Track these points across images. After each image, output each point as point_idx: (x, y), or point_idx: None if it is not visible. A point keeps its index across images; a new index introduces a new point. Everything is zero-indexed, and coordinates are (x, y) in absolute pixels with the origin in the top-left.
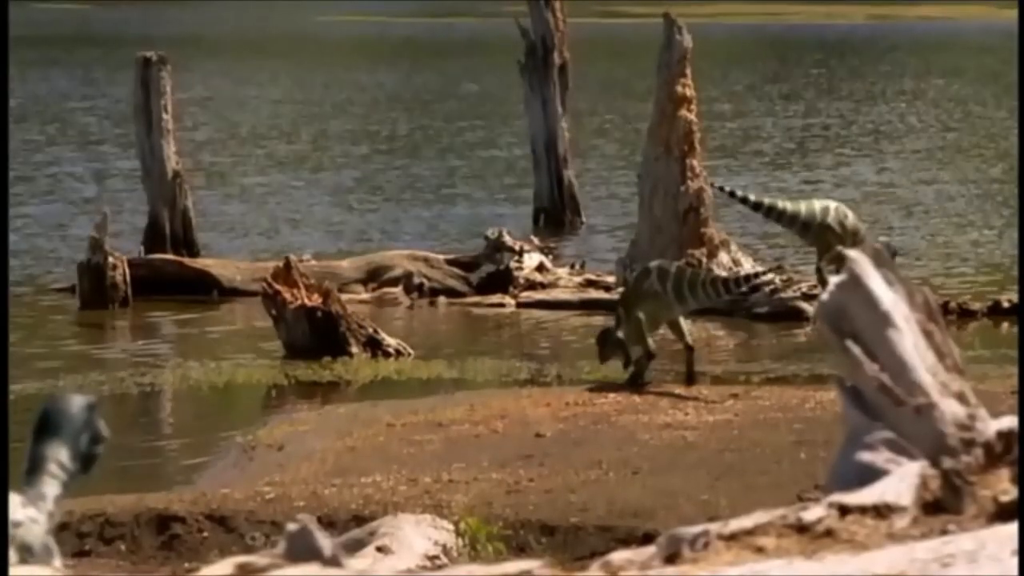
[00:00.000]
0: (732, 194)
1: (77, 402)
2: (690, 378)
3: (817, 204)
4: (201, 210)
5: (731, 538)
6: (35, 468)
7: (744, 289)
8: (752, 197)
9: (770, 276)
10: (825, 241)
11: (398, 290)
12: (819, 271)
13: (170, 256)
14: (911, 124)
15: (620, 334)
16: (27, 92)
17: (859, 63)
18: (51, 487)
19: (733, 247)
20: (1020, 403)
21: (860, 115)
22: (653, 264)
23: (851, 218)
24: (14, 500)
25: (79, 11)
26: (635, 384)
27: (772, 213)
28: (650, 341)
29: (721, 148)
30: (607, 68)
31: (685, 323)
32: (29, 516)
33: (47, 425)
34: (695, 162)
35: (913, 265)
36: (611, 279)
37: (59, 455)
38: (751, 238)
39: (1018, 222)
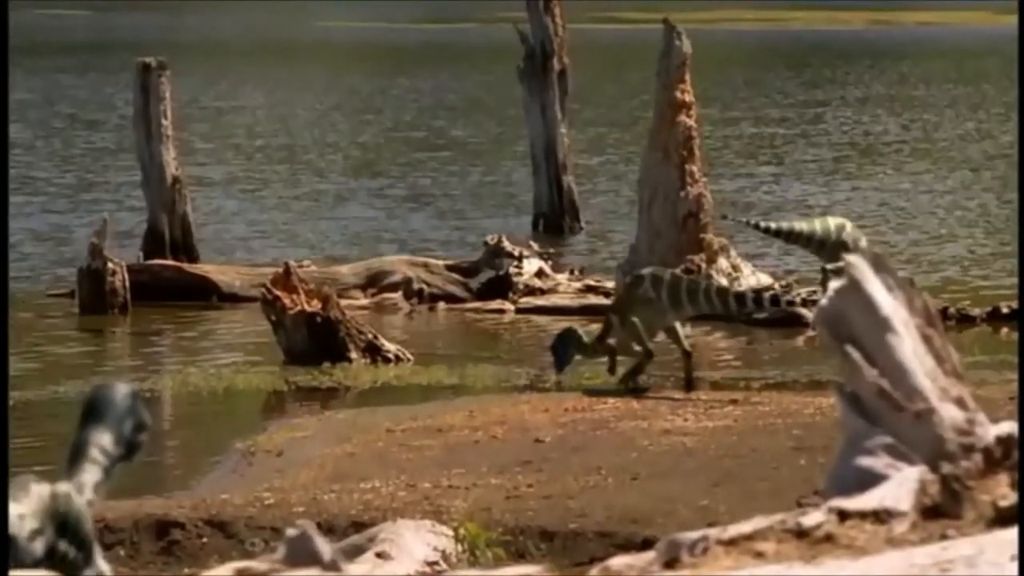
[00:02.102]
0: (748, 223)
1: (121, 390)
2: (688, 384)
3: (832, 222)
4: (208, 215)
5: (730, 543)
6: (77, 454)
7: (753, 307)
8: (768, 225)
9: (779, 291)
10: (838, 258)
11: (398, 296)
12: (824, 272)
13: (169, 262)
14: (948, 131)
15: (585, 337)
16: (41, 93)
17: (879, 69)
18: (91, 474)
19: (732, 253)
20: (1020, 409)
21: (900, 123)
22: (646, 271)
23: (863, 240)
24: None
25: (79, 16)
26: (631, 384)
27: (790, 236)
28: (649, 343)
29: (765, 157)
30: (607, 73)
31: (682, 329)
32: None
33: (92, 412)
34: (694, 167)
35: (965, 277)
36: (611, 285)
37: (102, 440)
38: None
39: (1018, 223)
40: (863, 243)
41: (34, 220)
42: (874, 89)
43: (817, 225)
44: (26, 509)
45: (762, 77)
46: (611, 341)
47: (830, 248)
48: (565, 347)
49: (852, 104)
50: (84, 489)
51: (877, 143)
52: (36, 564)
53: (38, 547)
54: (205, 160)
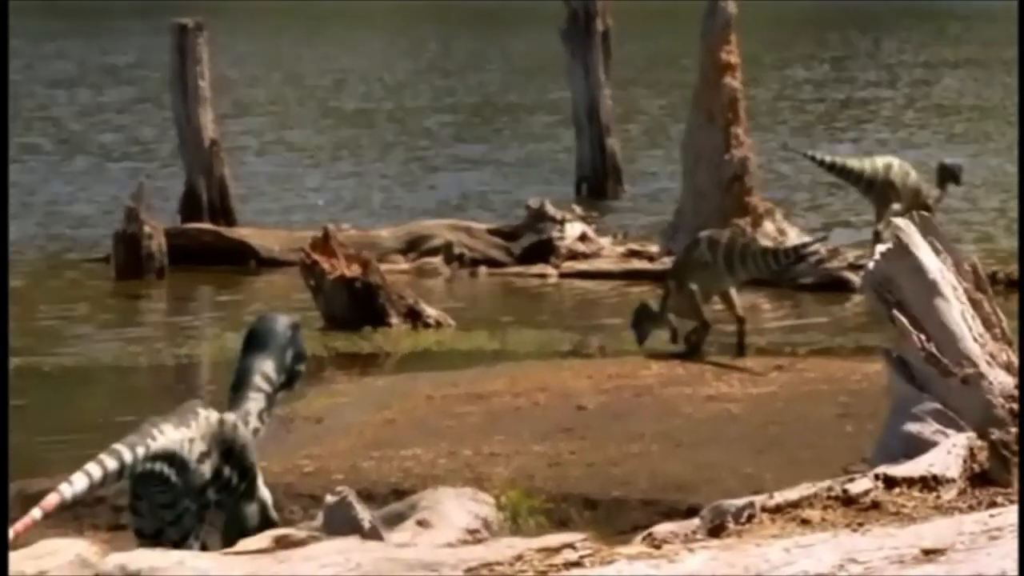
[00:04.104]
0: (804, 155)
1: (283, 321)
2: (740, 349)
3: (880, 161)
4: (247, 182)
5: (776, 510)
6: (241, 382)
7: (792, 260)
8: (823, 157)
9: (817, 246)
10: (886, 198)
11: (438, 260)
12: (876, 235)
13: (207, 225)
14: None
15: (655, 307)
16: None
17: (947, 33)
18: (255, 402)
19: (778, 216)
20: (1020, 396)
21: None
22: (703, 234)
23: (913, 176)
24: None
25: None
26: (693, 355)
27: (842, 172)
28: (705, 312)
29: (865, 123)
30: (651, 35)
31: (736, 295)
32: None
33: (255, 341)
34: (739, 130)
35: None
36: (654, 249)
37: (265, 368)
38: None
39: (1018, 210)
40: (912, 178)
41: (122, 185)
42: (959, 52)
43: (867, 164)
44: (195, 433)
45: (829, 39)
46: (654, 308)
47: (878, 188)
48: (641, 322)
49: (941, 67)
50: (250, 418)
51: (984, 106)
52: (203, 487)
53: (206, 470)
54: (294, 125)
